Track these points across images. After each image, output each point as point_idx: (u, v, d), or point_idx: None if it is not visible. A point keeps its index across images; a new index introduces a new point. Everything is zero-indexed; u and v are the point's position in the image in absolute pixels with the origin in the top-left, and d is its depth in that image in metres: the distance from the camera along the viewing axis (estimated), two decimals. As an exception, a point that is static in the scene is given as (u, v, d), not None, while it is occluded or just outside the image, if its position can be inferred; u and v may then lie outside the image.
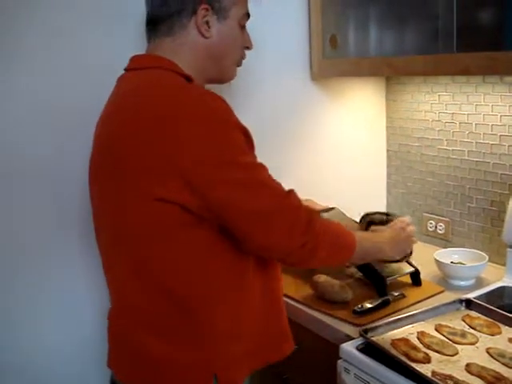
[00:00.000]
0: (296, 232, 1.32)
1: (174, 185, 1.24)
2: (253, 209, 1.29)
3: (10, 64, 1.67)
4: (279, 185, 1.36)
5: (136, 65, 1.44)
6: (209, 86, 1.56)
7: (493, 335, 1.52)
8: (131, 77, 1.43)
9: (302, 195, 2.02)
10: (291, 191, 1.38)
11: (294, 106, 2.23)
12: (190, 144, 1.23)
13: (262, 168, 1.34)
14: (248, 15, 1.52)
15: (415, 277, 1.85)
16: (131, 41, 1.68)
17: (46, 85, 1.72)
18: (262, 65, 2.09)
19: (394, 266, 1.83)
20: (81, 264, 1.83)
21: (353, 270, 1.91)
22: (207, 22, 1.41)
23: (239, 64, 1.55)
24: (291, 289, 1.85)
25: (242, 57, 1.55)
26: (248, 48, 1.56)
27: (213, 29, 1.43)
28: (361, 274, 1.87)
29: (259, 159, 1.37)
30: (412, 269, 1.85)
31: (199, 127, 1.24)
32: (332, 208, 1.99)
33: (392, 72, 1.93)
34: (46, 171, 1.75)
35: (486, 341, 1.49)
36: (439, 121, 2.20)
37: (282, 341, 1.54)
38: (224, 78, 1.55)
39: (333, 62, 2.11)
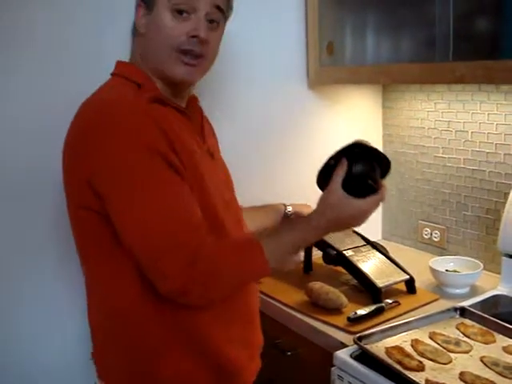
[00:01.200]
0: (170, 275, 1.21)
1: (88, 193, 1.26)
2: (132, 243, 1.24)
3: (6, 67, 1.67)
4: (174, 217, 1.23)
5: (114, 70, 1.46)
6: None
7: (487, 344, 1.52)
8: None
9: (298, 202, 2.04)
10: (187, 225, 1.24)
11: (290, 112, 2.23)
12: (95, 157, 1.24)
13: (158, 197, 1.22)
14: None
15: (410, 284, 1.85)
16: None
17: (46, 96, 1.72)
18: (258, 72, 2.10)
19: (389, 272, 1.84)
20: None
21: (348, 276, 1.91)
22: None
23: (184, 59, 1.36)
24: (285, 295, 1.85)
25: (182, 48, 1.36)
26: (195, 36, 1.35)
27: (144, 23, 1.39)
28: (356, 281, 1.87)
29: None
30: (407, 276, 1.85)
31: (105, 142, 1.23)
32: (327, 215, 1.99)
33: (388, 80, 1.93)
34: (37, 178, 1.74)
35: (480, 349, 1.49)
36: (435, 128, 2.20)
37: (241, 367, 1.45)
38: (166, 74, 1.39)
39: (329, 69, 2.11)
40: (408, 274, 1.86)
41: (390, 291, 1.81)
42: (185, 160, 1.28)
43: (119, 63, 1.45)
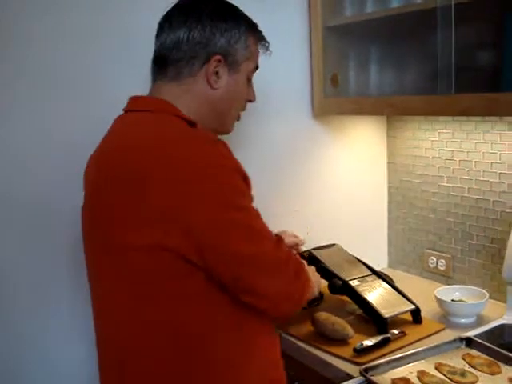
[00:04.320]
0: (284, 283, 1.33)
1: (169, 230, 1.21)
2: (247, 253, 1.25)
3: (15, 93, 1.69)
4: (271, 233, 1.34)
5: (136, 106, 1.41)
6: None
7: (493, 374, 1.52)
8: (132, 119, 1.39)
9: (304, 230, 2.06)
10: (280, 241, 1.35)
11: (295, 142, 2.25)
12: (188, 189, 1.21)
13: (256, 214, 1.31)
14: (257, 68, 1.52)
15: (416, 314, 1.85)
16: (139, 81, 1.62)
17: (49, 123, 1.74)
18: (262, 102, 2.10)
19: (394, 302, 1.85)
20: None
21: (354, 306, 1.91)
22: (217, 73, 1.39)
23: (238, 118, 1.55)
24: (292, 326, 1.85)
25: (243, 109, 1.56)
26: (251, 101, 1.56)
27: (222, 80, 1.40)
28: (361, 312, 1.87)
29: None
30: (413, 306, 1.85)
31: (198, 173, 1.21)
32: (333, 244, 2.01)
33: (392, 112, 1.94)
34: (42, 210, 1.75)
35: (485, 380, 1.49)
36: (439, 158, 2.22)
37: None
38: (221, 131, 1.51)
39: (334, 100, 2.14)
40: (414, 304, 1.86)
41: (395, 321, 1.81)
42: None
43: (162, 101, 1.38)
